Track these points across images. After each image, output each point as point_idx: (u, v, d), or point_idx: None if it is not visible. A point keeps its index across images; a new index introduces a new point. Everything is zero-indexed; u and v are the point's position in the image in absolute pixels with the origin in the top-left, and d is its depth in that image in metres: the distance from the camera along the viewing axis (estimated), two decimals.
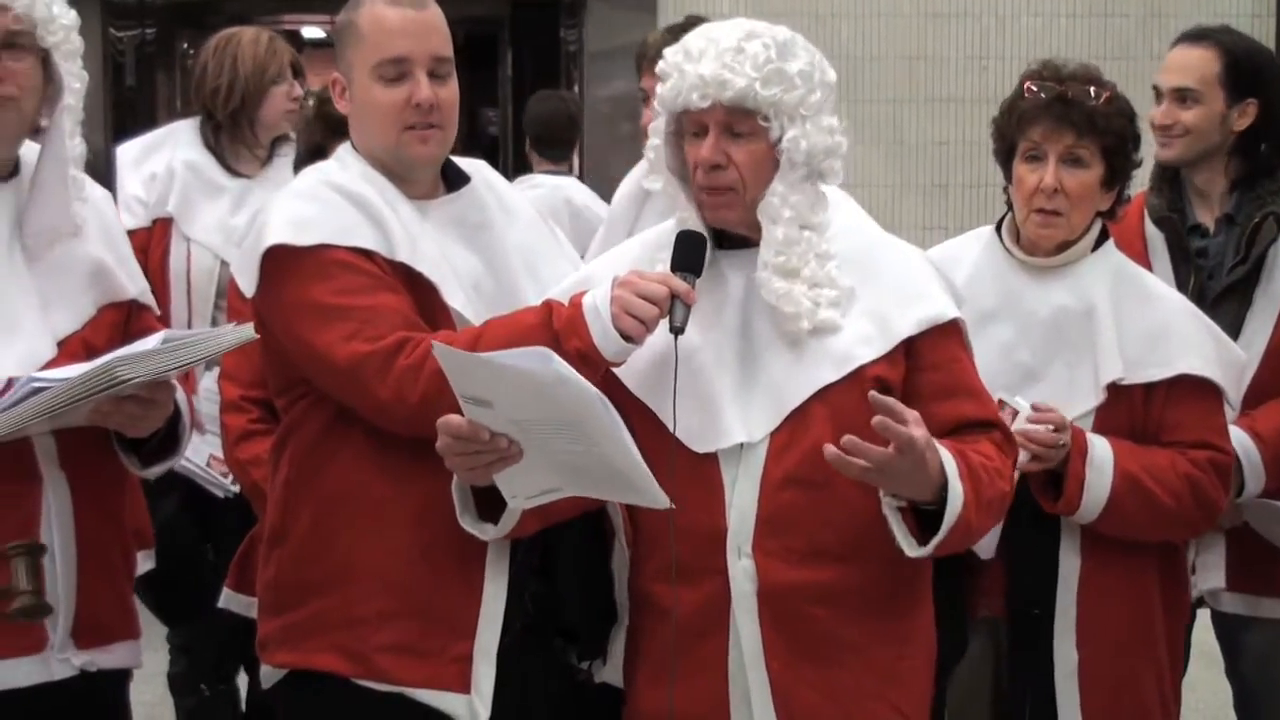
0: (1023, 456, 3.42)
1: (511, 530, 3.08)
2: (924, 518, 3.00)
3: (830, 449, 2.86)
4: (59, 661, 3.18)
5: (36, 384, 2.98)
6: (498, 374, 2.78)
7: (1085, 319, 3.63)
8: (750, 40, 3.05)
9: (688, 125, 3.11)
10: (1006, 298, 3.68)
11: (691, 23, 4.31)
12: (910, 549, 2.99)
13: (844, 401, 3.04)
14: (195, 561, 4.71)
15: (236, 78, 5.03)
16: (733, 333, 3.12)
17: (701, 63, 3.04)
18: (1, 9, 3.13)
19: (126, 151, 5.15)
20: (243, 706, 5.23)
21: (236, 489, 4.53)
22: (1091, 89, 3.60)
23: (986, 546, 3.53)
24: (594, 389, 2.76)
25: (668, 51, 3.13)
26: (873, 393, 2.90)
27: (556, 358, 2.74)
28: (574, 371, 2.75)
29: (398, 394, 3.03)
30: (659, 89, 3.13)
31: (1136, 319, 3.63)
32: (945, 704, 3.68)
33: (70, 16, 3.23)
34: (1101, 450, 3.53)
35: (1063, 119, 3.59)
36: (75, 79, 3.25)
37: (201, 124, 5.11)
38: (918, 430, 2.87)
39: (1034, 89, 3.64)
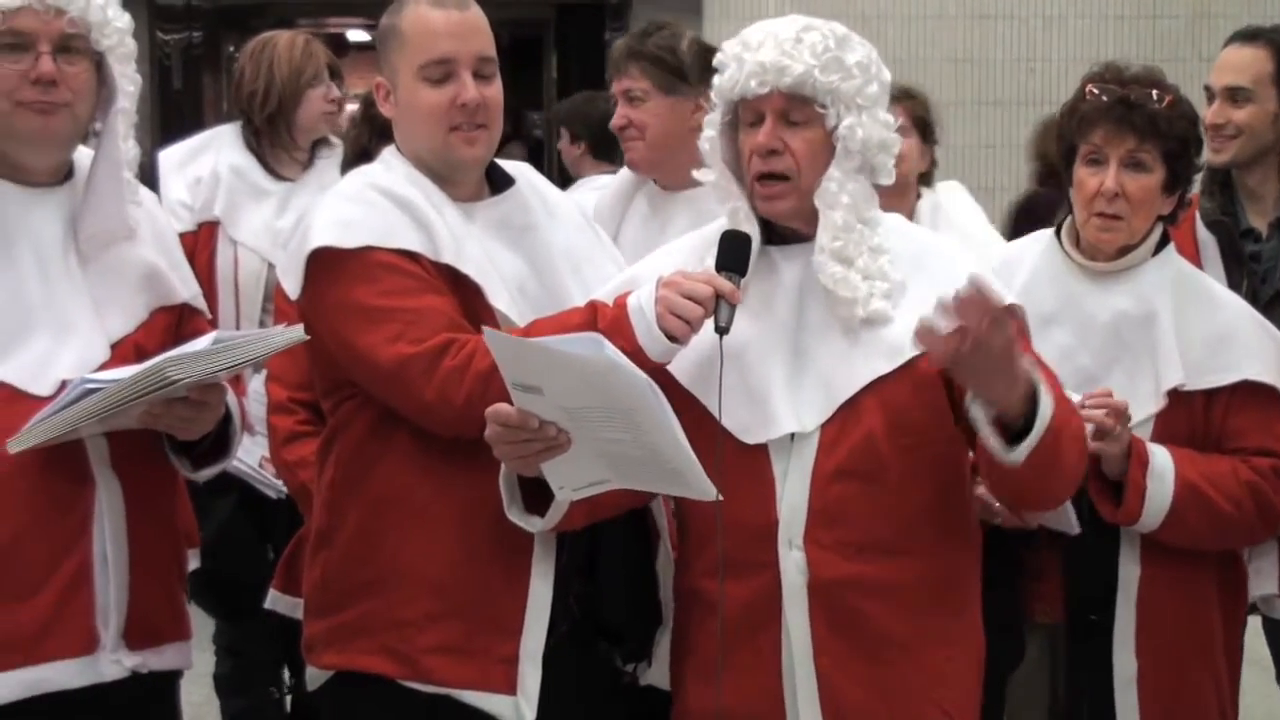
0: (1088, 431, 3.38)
1: (559, 523, 3.07)
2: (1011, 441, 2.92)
3: (921, 321, 2.78)
4: (110, 663, 3.17)
5: (89, 385, 2.99)
6: (549, 359, 2.77)
7: (1146, 324, 3.59)
8: (808, 31, 3.08)
9: (744, 115, 3.12)
10: (1066, 302, 3.65)
11: (654, 28, 4.28)
12: (1003, 452, 2.91)
13: (896, 393, 3.04)
14: (255, 561, 4.71)
15: (273, 81, 5.04)
16: (784, 325, 3.12)
17: (760, 51, 3.06)
18: (57, 12, 3.13)
19: (169, 156, 5.16)
20: (288, 708, 5.24)
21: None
22: (1154, 92, 3.56)
23: (1071, 522, 3.51)
24: (644, 376, 2.76)
25: (725, 44, 3.15)
26: (968, 278, 2.79)
27: (608, 344, 2.74)
28: (625, 358, 2.74)
29: (442, 396, 3.03)
30: (716, 80, 3.14)
31: (1198, 324, 3.59)
32: (1003, 709, 3.66)
33: (124, 20, 3.23)
34: (1162, 460, 3.50)
35: (1124, 122, 3.55)
36: (129, 82, 3.26)
37: (243, 127, 5.13)
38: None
39: (1095, 91, 3.60)
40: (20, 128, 3.14)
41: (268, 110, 5.05)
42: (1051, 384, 2.97)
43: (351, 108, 4.91)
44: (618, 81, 4.19)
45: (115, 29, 3.20)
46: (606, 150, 7.02)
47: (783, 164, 3.08)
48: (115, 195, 3.24)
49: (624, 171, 4.36)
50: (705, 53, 4.04)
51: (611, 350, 2.73)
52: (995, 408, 2.91)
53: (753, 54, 3.07)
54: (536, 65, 12.69)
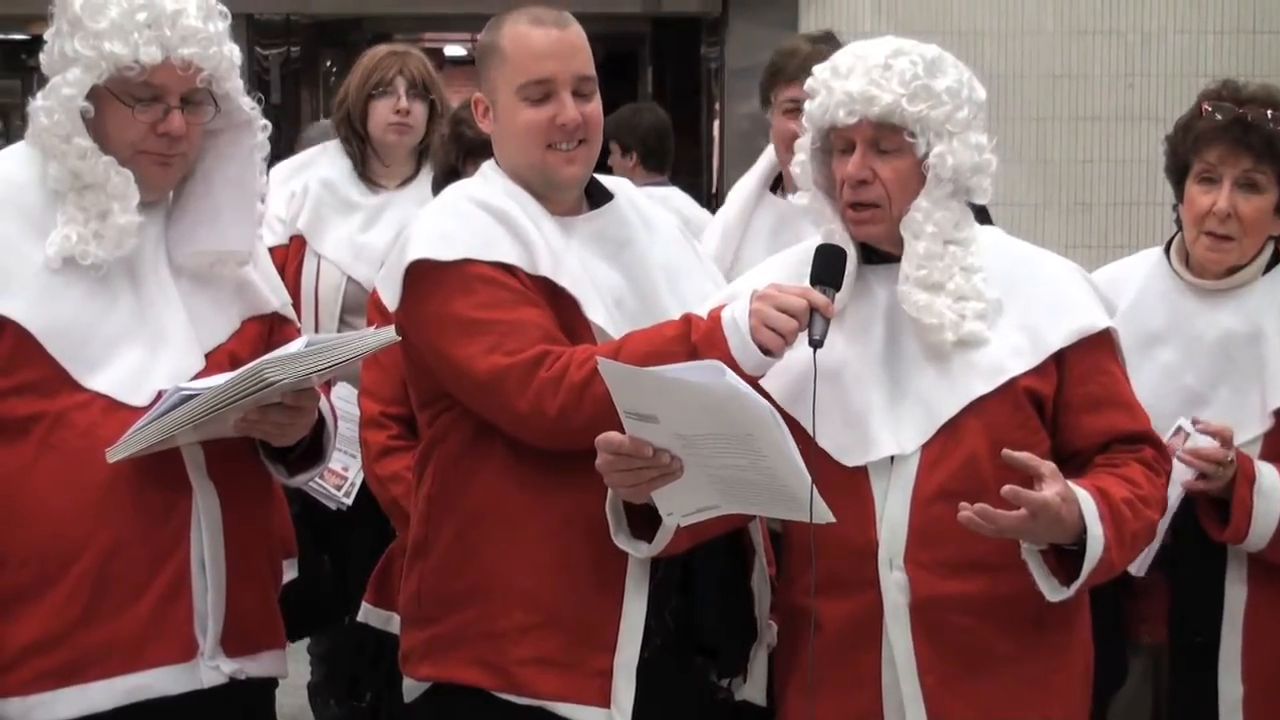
0: (1189, 475, 3.38)
1: (665, 548, 3.08)
2: (1065, 553, 2.99)
3: (964, 513, 2.87)
4: (209, 669, 3.18)
5: (185, 393, 3.01)
6: (667, 388, 2.77)
7: (1253, 343, 3.56)
8: (898, 57, 3.08)
9: (835, 142, 3.13)
10: (1173, 320, 3.62)
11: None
12: (1051, 592, 2.98)
13: (996, 413, 3.05)
14: (313, 572, 4.73)
15: (349, 88, 5.09)
16: (881, 346, 3.13)
17: (849, 79, 3.07)
18: (194, 69, 3.12)
19: (277, 171, 5.20)
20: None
21: (349, 502, 4.56)
22: (1270, 112, 3.53)
23: (1138, 565, 3.48)
24: (766, 403, 2.76)
25: (816, 69, 3.16)
26: (1006, 450, 2.92)
27: (730, 371, 2.74)
28: (747, 385, 2.75)
29: (536, 407, 3.04)
30: (807, 105, 3.14)
31: None
32: None
33: (237, 54, 3.23)
34: (1270, 478, 3.45)
35: (1241, 143, 3.52)
36: (259, 116, 3.26)
37: (344, 138, 5.16)
38: (1051, 489, 2.88)
39: (1210, 109, 3.57)
40: (137, 174, 3.14)
41: (338, 116, 5.10)
42: (1105, 499, 2.98)
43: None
44: (787, 89, 4.16)
45: (232, 65, 3.20)
46: (656, 160, 7.06)
47: (872, 193, 3.10)
48: (246, 223, 3.27)
49: (744, 186, 4.33)
50: None
51: (733, 378, 2.73)
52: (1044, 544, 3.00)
53: (841, 82, 3.08)
54: (632, 80, 12.73)
